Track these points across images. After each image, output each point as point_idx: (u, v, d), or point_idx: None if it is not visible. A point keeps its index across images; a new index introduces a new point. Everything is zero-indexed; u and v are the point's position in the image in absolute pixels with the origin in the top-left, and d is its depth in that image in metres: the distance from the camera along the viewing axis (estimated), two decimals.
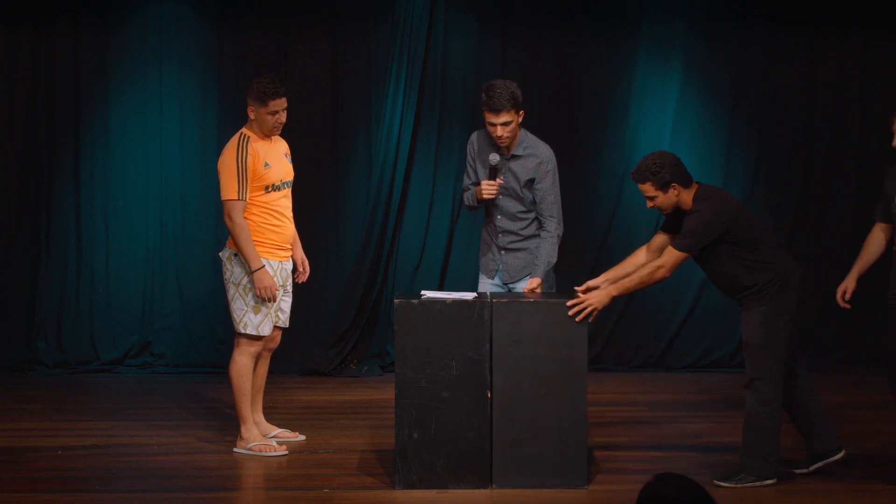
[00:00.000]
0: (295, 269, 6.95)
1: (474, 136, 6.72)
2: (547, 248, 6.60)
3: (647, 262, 6.18)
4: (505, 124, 6.43)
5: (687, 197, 6.09)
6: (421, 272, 9.13)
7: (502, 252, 6.64)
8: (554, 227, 6.60)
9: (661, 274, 6.03)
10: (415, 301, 6.00)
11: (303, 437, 6.98)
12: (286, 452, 6.65)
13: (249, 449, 6.64)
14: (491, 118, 6.44)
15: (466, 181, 6.74)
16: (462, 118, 9.00)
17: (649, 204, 6.15)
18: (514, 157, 6.57)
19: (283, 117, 6.65)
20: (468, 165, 6.73)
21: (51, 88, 9.04)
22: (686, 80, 9.17)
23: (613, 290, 6.07)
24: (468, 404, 5.97)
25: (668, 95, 9.15)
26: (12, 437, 7.07)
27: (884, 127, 9.23)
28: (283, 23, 9.09)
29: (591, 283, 6.16)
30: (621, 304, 9.26)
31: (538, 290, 6.44)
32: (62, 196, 9.07)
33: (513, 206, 6.59)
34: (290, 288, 6.84)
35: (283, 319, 6.84)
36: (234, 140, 6.65)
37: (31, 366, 9.04)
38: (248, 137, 6.64)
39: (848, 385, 8.72)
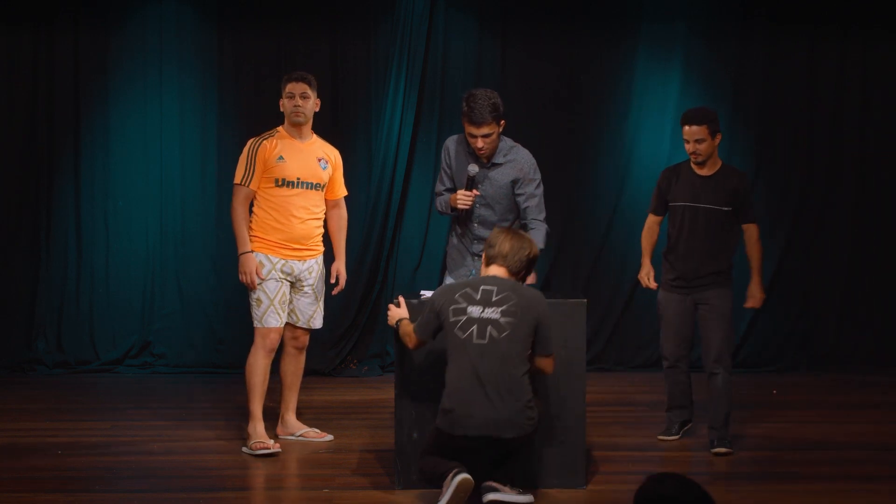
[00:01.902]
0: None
1: (450, 143, 6.64)
2: (536, 238, 6.37)
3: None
4: (486, 136, 6.37)
5: (716, 154, 6.75)
6: (421, 272, 9.13)
7: (475, 258, 6.57)
8: (541, 225, 6.48)
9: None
10: (414, 301, 6.00)
11: (330, 437, 6.99)
12: (278, 451, 6.63)
13: (249, 447, 6.66)
14: (472, 130, 6.36)
15: (439, 187, 6.66)
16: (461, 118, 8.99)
17: (694, 147, 6.64)
18: (495, 165, 6.50)
19: (301, 104, 6.73)
20: (442, 172, 6.65)
21: (51, 88, 9.04)
22: (686, 80, 9.17)
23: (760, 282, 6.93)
24: None
25: (668, 95, 9.15)
26: (12, 437, 7.07)
27: (884, 126, 9.30)
28: (283, 23, 9.09)
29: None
30: (622, 303, 9.26)
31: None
32: (62, 196, 9.07)
33: (491, 214, 6.53)
34: (310, 289, 6.86)
35: (303, 320, 6.88)
36: (264, 133, 6.83)
37: (31, 366, 9.04)
38: (276, 132, 6.80)
39: (848, 385, 8.72)
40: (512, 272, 5.68)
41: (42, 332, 9.09)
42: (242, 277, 6.66)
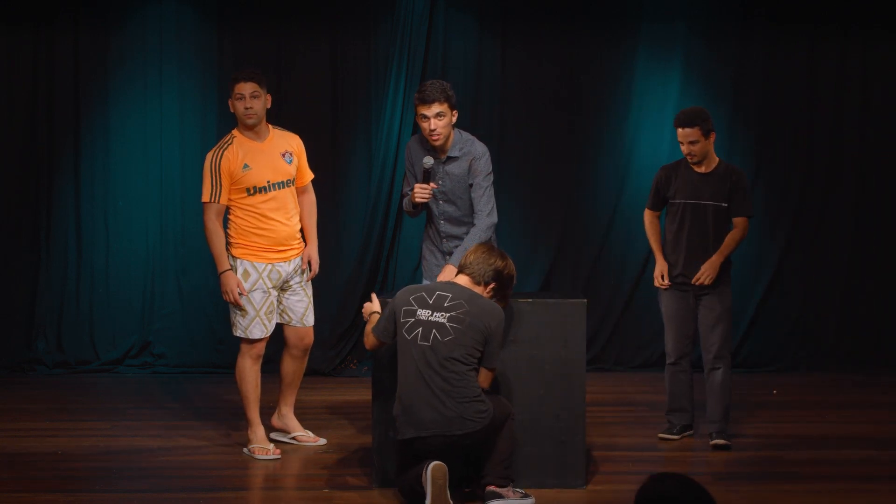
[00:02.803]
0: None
1: (411, 142, 6.60)
2: (468, 242, 6.32)
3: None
4: (438, 116, 6.30)
5: (712, 152, 6.82)
6: (421, 272, 9.11)
7: (447, 257, 6.50)
8: (482, 222, 6.40)
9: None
10: (390, 300, 6.01)
11: (323, 441, 6.96)
12: (279, 457, 6.62)
13: (249, 451, 6.66)
14: (423, 110, 6.31)
15: (405, 188, 6.61)
16: (462, 118, 8.93)
17: (689, 149, 6.73)
18: (451, 158, 6.45)
19: (252, 104, 6.59)
20: (407, 172, 6.60)
21: (51, 88, 9.04)
22: (686, 80, 9.16)
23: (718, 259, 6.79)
24: None
25: (668, 95, 9.14)
26: (12, 437, 7.07)
27: (884, 126, 9.30)
28: (283, 23, 9.09)
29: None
30: (622, 303, 9.26)
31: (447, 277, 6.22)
32: (62, 196, 9.07)
33: (454, 210, 6.47)
34: (298, 287, 6.81)
35: (297, 319, 6.83)
36: (220, 141, 6.70)
37: (31, 366, 9.04)
38: (233, 139, 6.66)
39: (848, 385, 8.72)
40: (476, 281, 5.76)
41: (42, 332, 9.09)
42: (226, 297, 6.59)
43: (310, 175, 6.93)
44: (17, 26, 9.02)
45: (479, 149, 6.49)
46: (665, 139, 9.14)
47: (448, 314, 5.62)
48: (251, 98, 6.60)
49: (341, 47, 9.13)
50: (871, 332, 9.28)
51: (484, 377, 5.70)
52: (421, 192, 6.37)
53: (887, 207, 9.28)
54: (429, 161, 6.38)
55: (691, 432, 7.00)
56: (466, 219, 6.47)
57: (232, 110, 6.69)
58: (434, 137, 6.37)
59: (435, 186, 6.40)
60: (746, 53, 9.19)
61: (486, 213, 6.41)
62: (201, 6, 9.07)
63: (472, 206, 6.45)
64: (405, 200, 6.59)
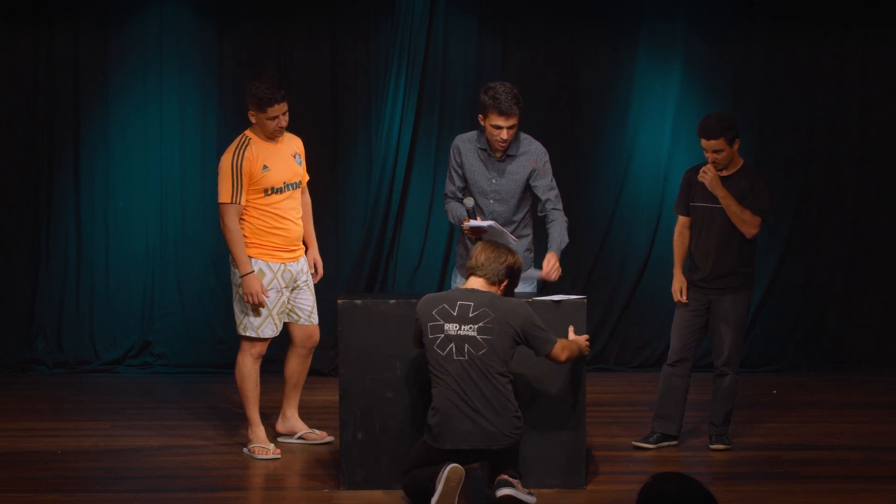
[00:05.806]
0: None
1: (459, 143, 6.59)
2: (559, 228, 6.44)
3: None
4: (511, 128, 6.37)
5: (737, 156, 6.69)
6: (421, 272, 9.13)
7: None
8: (562, 216, 6.50)
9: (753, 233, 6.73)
10: (358, 301, 6.02)
11: (330, 439, 6.96)
12: (278, 457, 6.63)
13: (249, 450, 6.66)
14: (500, 121, 6.33)
15: (449, 186, 6.61)
16: (462, 118, 8.99)
17: (713, 157, 6.59)
18: (510, 156, 6.50)
19: (283, 121, 6.62)
20: (452, 171, 6.60)
21: (51, 88, 9.03)
22: (686, 80, 9.16)
23: None
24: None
25: (668, 95, 9.14)
26: (12, 438, 7.07)
27: (884, 126, 9.30)
28: (283, 23, 9.09)
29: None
30: (622, 303, 9.26)
31: (557, 266, 6.28)
32: (62, 196, 9.07)
33: (504, 210, 6.50)
34: (304, 285, 6.84)
35: (305, 317, 6.87)
36: (234, 142, 6.69)
37: (31, 366, 9.04)
38: (249, 140, 6.65)
39: (848, 385, 8.72)
40: (490, 281, 5.74)
41: (42, 332, 9.09)
42: (249, 298, 6.57)
43: (307, 177, 6.95)
44: (17, 26, 9.02)
45: (541, 148, 6.56)
46: (665, 139, 9.14)
47: (476, 325, 5.59)
48: (283, 116, 6.60)
49: (341, 47, 9.12)
50: (871, 333, 9.28)
51: (556, 354, 5.70)
52: (474, 232, 6.33)
53: (887, 207, 9.28)
54: (469, 202, 6.37)
55: (674, 443, 6.83)
56: (515, 218, 6.50)
57: (254, 121, 6.65)
58: (502, 146, 6.42)
59: (486, 232, 6.31)
60: (746, 53, 9.19)
61: (562, 210, 6.49)
62: (201, 6, 9.07)
63: (520, 206, 6.51)
64: (452, 207, 6.58)
